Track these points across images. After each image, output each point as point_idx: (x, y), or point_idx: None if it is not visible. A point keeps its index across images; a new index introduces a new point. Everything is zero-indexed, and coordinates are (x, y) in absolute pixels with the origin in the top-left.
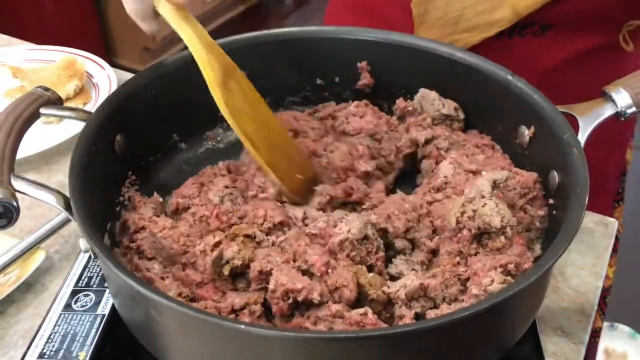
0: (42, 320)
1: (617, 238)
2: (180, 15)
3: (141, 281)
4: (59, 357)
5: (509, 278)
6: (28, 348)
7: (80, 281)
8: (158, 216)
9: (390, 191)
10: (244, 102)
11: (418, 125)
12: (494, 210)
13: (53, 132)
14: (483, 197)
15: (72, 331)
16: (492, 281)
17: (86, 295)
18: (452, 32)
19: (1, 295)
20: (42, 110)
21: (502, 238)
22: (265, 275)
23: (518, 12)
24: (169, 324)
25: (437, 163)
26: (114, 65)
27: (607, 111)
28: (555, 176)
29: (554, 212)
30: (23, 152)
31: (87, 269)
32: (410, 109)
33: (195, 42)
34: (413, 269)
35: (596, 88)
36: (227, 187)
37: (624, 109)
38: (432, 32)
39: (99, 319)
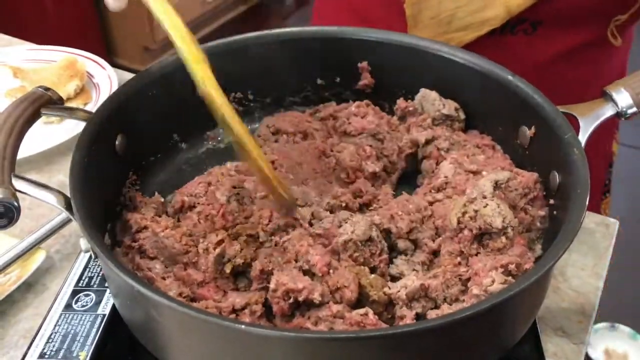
0: (43, 320)
1: None
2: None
3: (141, 281)
4: (59, 357)
5: (509, 278)
6: (28, 348)
7: (81, 281)
8: (160, 216)
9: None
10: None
11: (418, 126)
12: (496, 210)
13: (54, 132)
14: (485, 197)
15: (72, 331)
16: (493, 281)
17: (87, 295)
18: (445, 31)
19: (2, 295)
20: (42, 110)
21: (503, 238)
22: (266, 275)
23: (510, 10)
24: (169, 323)
25: (437, 163)
26: (114, 65)
27: (608, 111)
28: (555, 176)
29: (554, 212)
30: (24, 152)
31: (87, 269)
32: (411, 109)
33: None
34: (414, 270)
35: (586, 82)
36: (234, 187)
37: (624, 109)
38: (426, 31)
39: (99, 319)
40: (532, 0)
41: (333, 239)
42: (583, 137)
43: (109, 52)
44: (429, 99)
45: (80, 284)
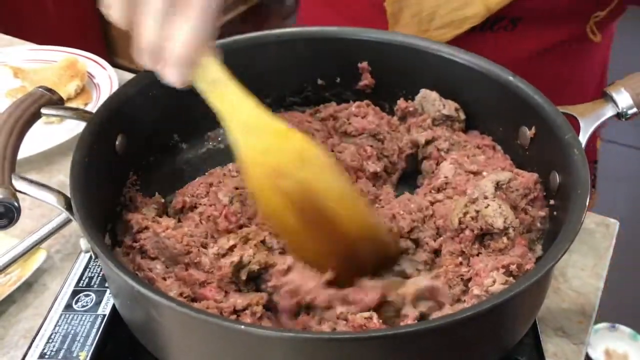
0: (43, 320)
1: None
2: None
3: (141, 281)
4: (59, 357)
5: (510, 279)
6: (29, 348)
7: (81, 281)
8: (160, 216)
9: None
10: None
11: (418, 126)
12: (497, 211)
13: (54, 132)
14: (486, 197)
15: (72, 331)
16: (494, 282)
17: (87, 296)
18: (426, 29)
19: (2, 295)
20: (43, 111)
21: (505, 239)
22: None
23: (489, 7)
24: (169, 324)
25: (437, 164)
26: (115, 65)
27: (608, 112)
28: (556, 177)
29: (554, 213)
30: (24, 152)
31: (88, 269)
32: (411, 109)
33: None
34: (417, 269)
35: (568, 79)
36: (237, 188)
37: (625, 110)
38: (407, 30)
39: (99, 319)
40: None
41: None
42: (583, 138)
43: (109, 52)
44: (429, 100)
45: (80, 284)
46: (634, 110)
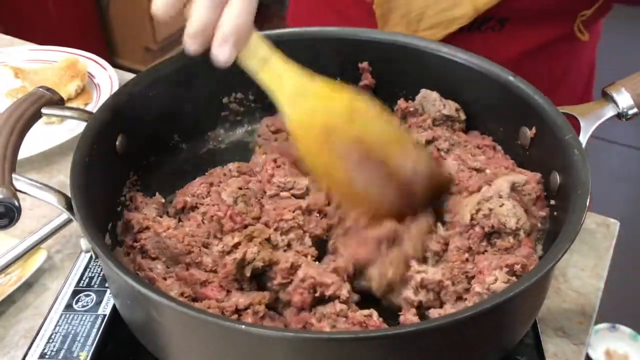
0: (43, 321)
1: None
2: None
3: (141, 281)
4: (60, 357)
5: (513, 278)
6: (29, 348)
7: (82, 281)
8: (161, 216)
9: None
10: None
11: (419, 127)
12: (511, 211)
13: (55, 133)
14: (501, 197)
15: (73, 331)
16: (496, 280)
17: (87, 296)
18: (415, 30)
19: (2, 295)
20: (43, 111)
21: (511, 238)
22: (294, 270)
23: (478, 7)
24: (169, 324)
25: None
26: (115, 65)
27: (609, 112)
28: (556, 177)
29: (555, 213)
30: (25, 152)
31: (88, 269)
32: (411, 109)
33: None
34: (427, 257)
35: (557, 78)
36: (240, 188)
37: (625, 110)
38: (396, 30)
39: (100, 319)
40: None
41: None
42: (584, 138)
43: (110, 53)
44: (430, 100)
45: (80, 284)
46: (635, 110)
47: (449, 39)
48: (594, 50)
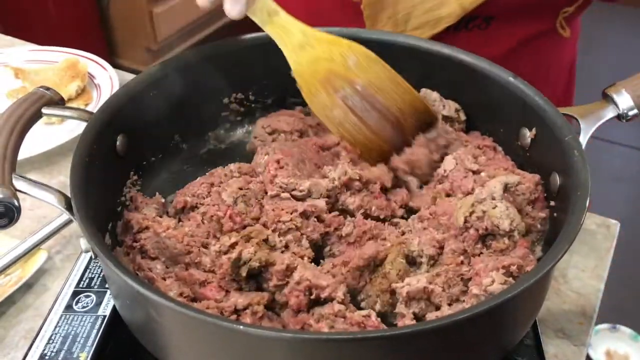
0: (43, 321)
1: None
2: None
3: (141, 281)
4: (60, 358)
5: (510, 279)
6: (29, 349)
7: (82, 282)
8: (161, 216)
9: None
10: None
11: None
12: (504, 213)
13: (55, 133)
14: (494, 198)
15: (73, 332)
16: (493, 281)
17: (87, 297)
18: (402, 30)
19: (2, 296)
20: (44, 110)
21: (506, 239)
22: (290, 272)
23: (464, 6)
24: (168, 324)
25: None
26: (115, 66)
27: (609, 113)
28: (556, 178)
29: (555, 214)
30: (25, 152)
31: (88, 270)
32: None
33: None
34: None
35: (542, 75)
36: (241, 188)
37: (625, 111)
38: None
39: (100, 320)
40: None
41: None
42: (584, 139)
43: (110, 53)
44: (430, 100)
45: (81, 285)
46: (635, 111)
47: (436, 39)
48: (574, 46)
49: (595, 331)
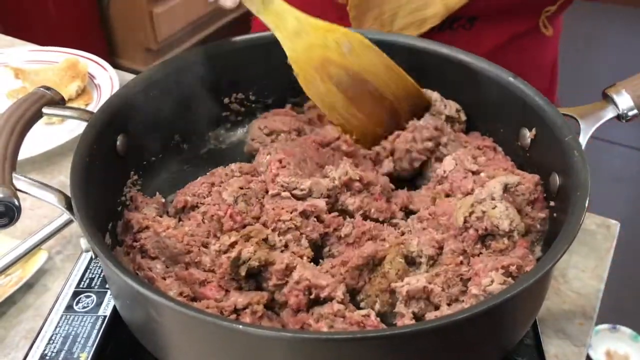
0: (44, 322)
1: None
2: None
3: (141, 280)
4: (60, 359)
5: (509, 279)
6: (29, 349)
7: (82, 282)
8: (161, 216)
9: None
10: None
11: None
12: (504, 213)
13: (55, 133)
14: (493, 199)
15: (73, 332)
16: (492, 281)
17: (88, 297)
18: (389, 31)
19: (3, 296)
20: (44, 110)
21: (505, 240)
22: (289, 271)
23: (448, 7)
24: (168, 323)
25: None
26: (116, 66)
27: (609, 113)
28: (556, 178)
29: (554, 214)
30: (25, 152)
31: (88, 270)
32: None
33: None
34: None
35: (525, 73)
36: (241, 187)
37: (625, 112)
38: None
39: (100, 320)
40: None
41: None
42: (584, 140)
43: (110, 53)
44: (430, 100)
45: (81, 285)
46: (635, 112)
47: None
48: (556, 45)
49: (596, 331)
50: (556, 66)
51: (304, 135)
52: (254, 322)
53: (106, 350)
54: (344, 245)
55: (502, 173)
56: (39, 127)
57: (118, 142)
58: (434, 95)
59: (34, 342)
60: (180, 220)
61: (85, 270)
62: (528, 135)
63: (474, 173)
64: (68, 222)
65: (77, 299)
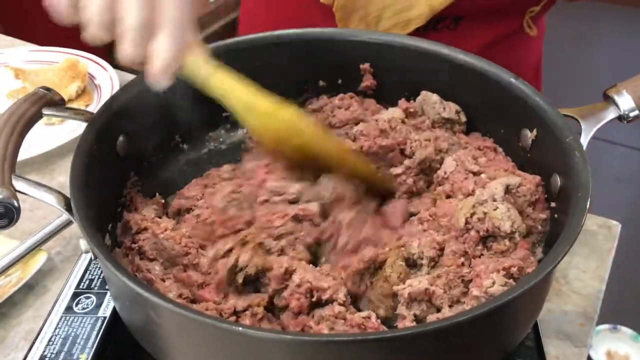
0: (43, 323)
1: None
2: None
3: (140, 282)
4: None
5: (510, 281)
6: (29, 350)
7: (82, 283)
8: (160, 217)
9: None
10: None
11: (417, 128)
12: (505, 214)
13: (55, 134)
14: (495, 200)
15: (73, 333)
16: (493, 283)
17: (87, 298)
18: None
19: (3, 297)
20: (44, 111)
21: (507, 241)
22: (289, 275)
23: (433, 8)
24: (168, 325)
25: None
26: (116, 66)
27: (610, 114)
28: (557, 179)
29: (555, 215)
30: (25, 153)
31: (88, 271)
32: (411, 110)
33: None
34: (421, 264)
35: (512, 71)
36: (233, 192)
37: (626, 112)
38: None
39: (100, 322)
40: None
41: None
42: (585, 140)
43: (110, 53)
44: (430, 102)
45: (81, 286)
46: (636, 112)
47: None
48: (540, 45)
49: (596, 332)
50: (540, 67)
51: None
52: (253, 324)
53: (106, 352)
54: (342, 252)
55: (503, 174)
56: (38, 127)
57: (118, 143)
58: (433, 98)
59: (33, 343)
60: (178, 222)
61: (85, 272)
62: (529, 136)
63: (474, 174)
64: (67, 223)
65: (77, 300)
